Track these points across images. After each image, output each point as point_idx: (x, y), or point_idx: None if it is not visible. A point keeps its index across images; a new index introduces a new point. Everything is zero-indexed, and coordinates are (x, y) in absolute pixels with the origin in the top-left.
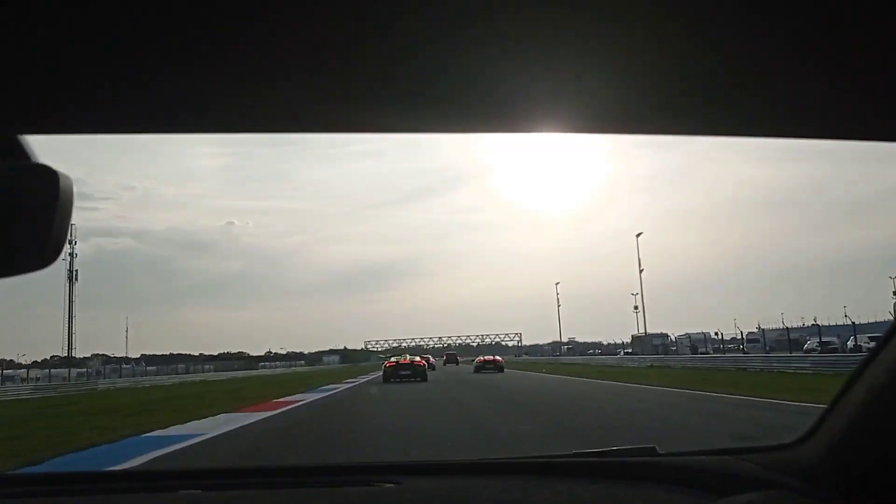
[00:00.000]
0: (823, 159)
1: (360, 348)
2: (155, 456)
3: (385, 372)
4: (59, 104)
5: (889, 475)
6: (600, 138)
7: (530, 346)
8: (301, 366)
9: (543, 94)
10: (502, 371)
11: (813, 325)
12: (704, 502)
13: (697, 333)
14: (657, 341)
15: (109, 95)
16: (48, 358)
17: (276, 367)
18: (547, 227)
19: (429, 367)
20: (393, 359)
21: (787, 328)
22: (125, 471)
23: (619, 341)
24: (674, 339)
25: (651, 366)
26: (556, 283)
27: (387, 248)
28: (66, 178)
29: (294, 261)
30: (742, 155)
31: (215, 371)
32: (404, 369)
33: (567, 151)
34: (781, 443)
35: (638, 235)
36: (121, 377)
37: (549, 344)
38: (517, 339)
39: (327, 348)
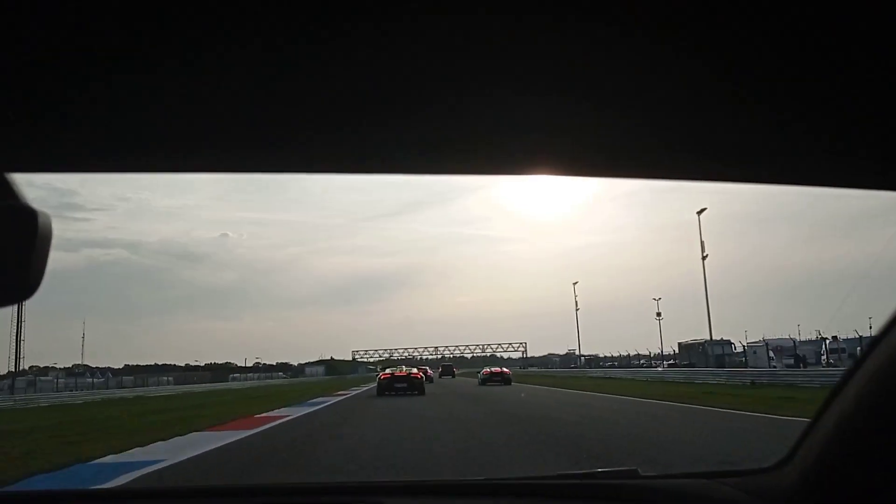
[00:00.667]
0: None
1: (348, 359)
2: None
3: (379, 384)
4: (47, 142)
5: (869, 499)
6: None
7: (538, 356)
8: (280, 378)
9: (538, 139)
10: (509, 384)
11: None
12: None
13: (779, 339)
14: (717, 350)
15: (102, 134)
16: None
17: (249, 378)
18: (546, 237)
19: (426, 380)
20: (388, 370)
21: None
22: (111, 489)
23: (644, 351)
24: (741, 347)
25: (752, 383)
26: (574, 283)
27: (380, 259)
28: (45, 215)
29: (288, 272)
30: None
31: (174, 384)
32: (400, 382)
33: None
34: (762, 466)
35: (701, 212)
36: (56, 391)
37: (561, 355)
38: (521, 348)
39: (317, 359)
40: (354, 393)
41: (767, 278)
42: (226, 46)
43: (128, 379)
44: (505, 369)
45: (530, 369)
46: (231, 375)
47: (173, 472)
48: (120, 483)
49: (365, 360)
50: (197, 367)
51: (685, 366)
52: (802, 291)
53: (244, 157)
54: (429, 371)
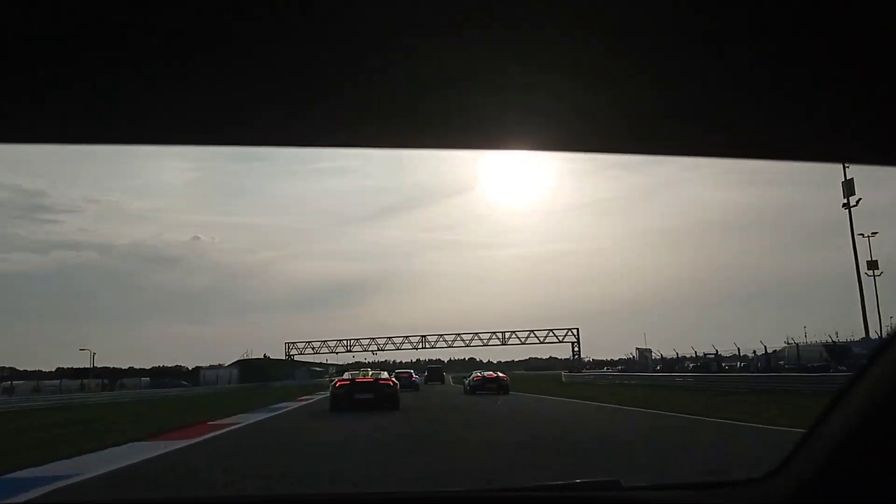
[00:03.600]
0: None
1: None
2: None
3: (333, 395)
4: (12, 111)
5: None
6: (572, 157)
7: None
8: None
9: (517, 112)
10: (506, 392)
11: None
12: None
13: None
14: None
15: (69, 103)
16: None
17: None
18: (525, 245)
19: (409, 387)
20: (346, 375)
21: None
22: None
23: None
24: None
25: None
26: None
27: (355, 265)
28: None
29: (261, 277)
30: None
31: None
32: (363, 391)
33: (539, 168)
34: (751, 477)
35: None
36: None
37: (618, 360)
38: (573, 335)
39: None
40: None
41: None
42: (196, 10)
43: None
44: (501, 374)
45: (587, 374)
46: (120, 382)
47: None
48: None
49: (312, 357)
50: (143, 372)
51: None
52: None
53: (219, 128)
54: (413, 375)
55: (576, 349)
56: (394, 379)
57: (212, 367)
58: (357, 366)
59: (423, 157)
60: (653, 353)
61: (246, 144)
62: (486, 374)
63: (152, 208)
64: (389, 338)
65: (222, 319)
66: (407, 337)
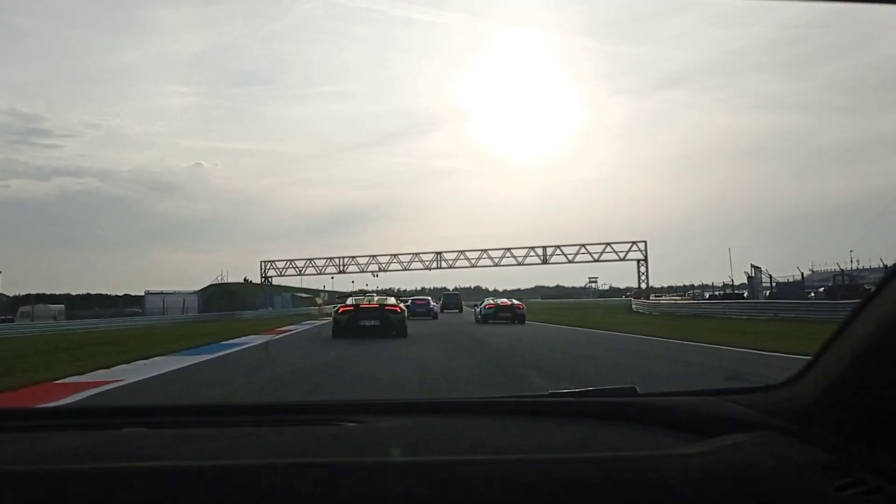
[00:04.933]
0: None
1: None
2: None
3: (336, 322)
4: None
5: (886, 416)
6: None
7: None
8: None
9: None
10: (523, 322)
11: None
12: (689, 444)
13: None
14: None
15: None
16: None
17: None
18: (531, 173)
19: (428, 315)
20: (350, 300)
21: None
22: (62, 407)
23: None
24: None
25: None
26: None
27: (357, 192)
28: None
29: (264, 204)
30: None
31: None
32: (368, 317)
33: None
34: (769, 384)
35: None
36: None
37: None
38: (639, 250)
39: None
40: None
41: None
42: None
43: None
44: (517, 301)
45: (662, 300)
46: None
47: None
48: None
49: (296, 282)
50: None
51: None
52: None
53: None
54: (431, 302)
55: (643, 270)
56: (402, 306)
57: (164, 293)
58: (362, 294)
59: (425, 80)
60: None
61: None
62: (499, 301)
63: (153, 133)
64: (394, 255)
65: (223, 247)
66: (417, 254)
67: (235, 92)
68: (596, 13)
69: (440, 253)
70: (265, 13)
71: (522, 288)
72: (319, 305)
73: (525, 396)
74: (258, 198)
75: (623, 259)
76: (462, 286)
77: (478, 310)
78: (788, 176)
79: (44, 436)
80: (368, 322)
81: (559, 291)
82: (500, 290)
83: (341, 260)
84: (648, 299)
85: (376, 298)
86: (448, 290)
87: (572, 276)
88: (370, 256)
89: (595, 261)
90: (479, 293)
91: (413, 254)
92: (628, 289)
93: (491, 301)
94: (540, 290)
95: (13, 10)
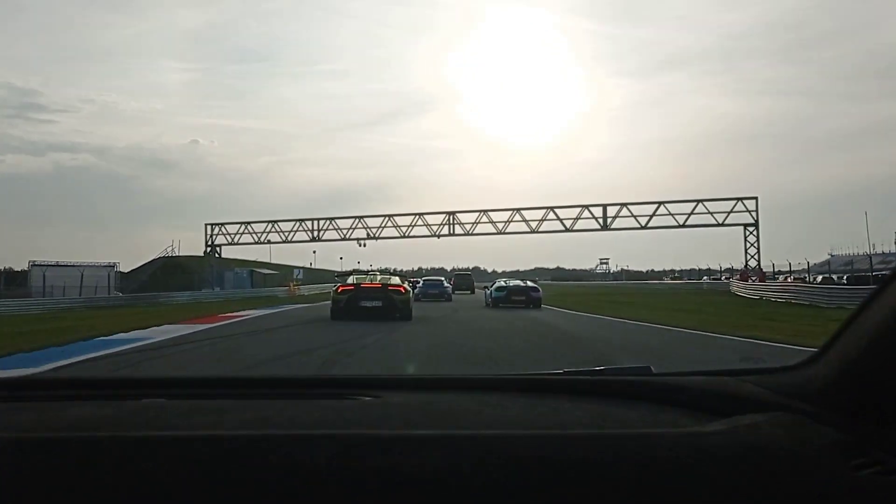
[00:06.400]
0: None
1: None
2: None
3: (335, 302)
4: None
5: None
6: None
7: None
8: None
9: None
10: (538, 307)
11: None
12: (705, 423)
13: None
14: None
15: None
16: None
17: None
18: (531, 153)
19: (441, 296)
20: (351, 280)
21: None
22: (80, 378)
23: None
24: None
25: None
26: None
27: (355, 171)
28: None
29: (260, 182)
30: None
31: None
32: (370, 297)
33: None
34: (786, 365)
35: None
36: None
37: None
38: (747, 211)
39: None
40: None
41: None
42: None
43: None
44: (531, 283)
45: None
46: None
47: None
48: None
49: (256, 254)
50: None
51: None
52: None
53: None
54: (445, 282)
55: (751, 239)
56: (406, 286)
57: (60, 264)
58: (365, 273)
59: (423, 60)
60: None
61: None
62: (513, 282)
63: (149, 110)
64: (389, 216)
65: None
66: (420, 215)
67: (233, 69)
68: None
69: (453, 213)
70: None
71: (522, 269)
72: (291, 286)
73: (540, 374)
74: (255, 176)
75: (722, 224)
76: (460, 266)
77: (488, 292)
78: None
79: (67, 405)
80: (370, 303)
81: (559, 273)
82: (500, 271)
83: (315, 223)
84: (763, 281)
85: (379, 278)
86: (446, 270)
87: (576, 257)
88: (355, 218)
89: (681, 226)
90: (477, 275)
91: (415, 214)
92: (728, 270)
93: (503, 282)
94: (538, 273)
95: None
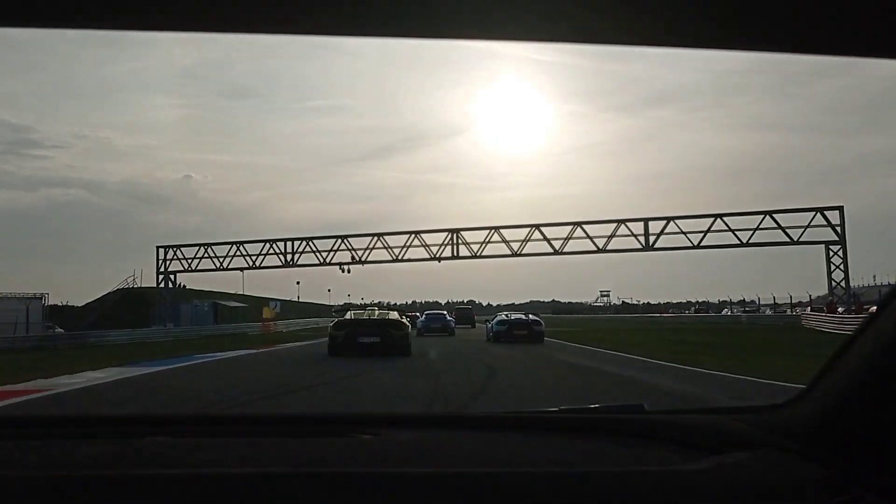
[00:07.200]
0: None
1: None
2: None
3: (332, 338)
4: None
5: (885, 436)
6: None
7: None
8: None
9: None
10: (541, 341)
11: None
12: (694, 461)
13: None
14: None
15: None
16: None
17: None
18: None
19: (444, 331)
20: (349, 315)
21: None
22: (86, 415)
23: None
24: None
25: None
26: None
27: (348, 206)
28: None
29: (254, 216)
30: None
31: None
32: (368, 333)
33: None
34: (775, 403)
35: None
36: None
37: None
38: (829, 224)
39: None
40: None
41: None
42: None
43: None
44: (533, 316)
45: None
46: None
47: None
48: None
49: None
50: None
51: None
52: None
53: (225, 12)
54: (448, 316)
55: (834, 258)
56: (405, 320)
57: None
58: (361, 307)
59: (416, 94)
60: None
61: (231, 31)
62: (512, 316)
63: (143, 145)
64: (378, 235)
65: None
66: (417, 233)
67: (227, 105)
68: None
69: (457, 231)
70: None
71: (517, 302)
72: (266, 321)
73: (536, 412)
74: (248, 210)
75: (797, 242)
76: (454, 300)
77: (489, 325)
78: None
79: (72, 442)
80: (367, 339)
81: (557, 307)
82: (494, 304)
83: (288, 245)
84: (854, 313)
85: (377, 312)
86: (441, 304)
87: (574, 290)
88: (337, 238)
89: (744, 244)
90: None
91: (411, 233)
92: (800, 303)
93: (505, 315)
94: (535, 306)
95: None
